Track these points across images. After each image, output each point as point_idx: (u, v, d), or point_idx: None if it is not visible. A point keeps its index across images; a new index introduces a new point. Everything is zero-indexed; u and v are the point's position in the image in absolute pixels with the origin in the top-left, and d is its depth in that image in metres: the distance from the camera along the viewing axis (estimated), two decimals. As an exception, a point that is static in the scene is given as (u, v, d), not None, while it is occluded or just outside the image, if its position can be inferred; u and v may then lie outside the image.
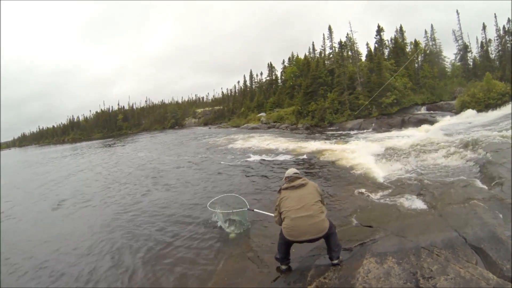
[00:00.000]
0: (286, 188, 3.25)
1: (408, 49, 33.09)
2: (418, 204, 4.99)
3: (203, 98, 78.27)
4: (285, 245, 3.19)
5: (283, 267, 3.36)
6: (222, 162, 11.53)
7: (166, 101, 71.98)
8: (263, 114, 38.46)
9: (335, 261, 3.15)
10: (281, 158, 11.44)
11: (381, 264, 2.98)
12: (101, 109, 71.77)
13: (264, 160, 11.29)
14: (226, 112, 52.18)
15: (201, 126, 50.92)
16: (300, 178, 3.32)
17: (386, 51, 33.32)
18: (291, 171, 3.47)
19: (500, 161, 6.53)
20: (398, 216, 4.52)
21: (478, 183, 5.75)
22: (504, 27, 30.90)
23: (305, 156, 11.35)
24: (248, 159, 11.70)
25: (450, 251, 3.11)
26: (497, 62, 31.41)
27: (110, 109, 70.85)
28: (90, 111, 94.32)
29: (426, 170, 7.28)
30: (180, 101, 73.59)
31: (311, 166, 9.75)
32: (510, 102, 19.94)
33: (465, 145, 8.82)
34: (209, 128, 43.81)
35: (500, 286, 2.47)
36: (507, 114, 17.06)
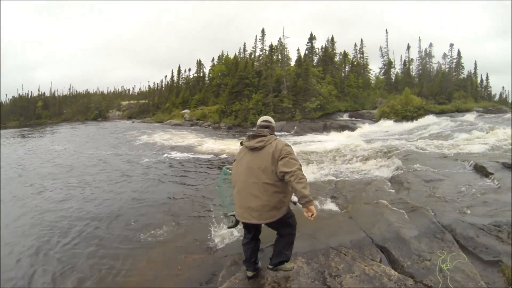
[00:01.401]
0: (243, 145, 3.74)
1: (337, 58, 52.97)
2: (331, 206, 7.16)
3: (129, 90, 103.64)
4: (243, 227, 3.93)
5: (249, 273, 4.01)
6: (134, 161, 15.46)
7: (92, 91, 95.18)
8: (187, 111, 53.36)
9: (269, 267, 3.91)
10: (198, 156, 16.21)
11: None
12: (19, 94, 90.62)
13: (175, 158, 15.83)
14: (151, 107, 71.70)
15: (124, 120, 68.18)
16: (264, 136, 3.58)
17: (316, 59, 52.61)
18: (262, 118, 3.90)
19: (409, 168, 9.86)
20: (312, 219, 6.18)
21: (388, 187, 8.43)
22: (425, 50, 55.16)
23: (224, 155, 16.04)
24: (159, 158, 16.03)
25: (357, 251, 4.62)
26: (417, 79, 54.56)
27: (29, 95, 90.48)
28: (6, 95, 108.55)
29: (342, 174, 10.34)
30: (105, 91, 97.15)
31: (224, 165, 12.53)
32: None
33: (381, 152, 13.03)
34: (133, 122, 58.42)
35: (401, 281, 3.84)
36: (420, 125, 27.17)
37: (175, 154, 16.79)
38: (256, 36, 56.30)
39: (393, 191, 8.18)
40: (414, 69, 57.58)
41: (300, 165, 3.28)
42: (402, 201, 7.05)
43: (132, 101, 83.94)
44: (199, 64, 63.98)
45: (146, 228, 6.54)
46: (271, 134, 3.64)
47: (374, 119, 36.75)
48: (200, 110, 49.95)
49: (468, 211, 6.12)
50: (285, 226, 3.70)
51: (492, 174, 8.16)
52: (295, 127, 34.49)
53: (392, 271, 4.07)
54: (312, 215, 3.20)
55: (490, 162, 9.14)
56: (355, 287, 3.72)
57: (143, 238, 6.12)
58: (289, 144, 3.52)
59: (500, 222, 5.38)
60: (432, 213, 6.09)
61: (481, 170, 8.68)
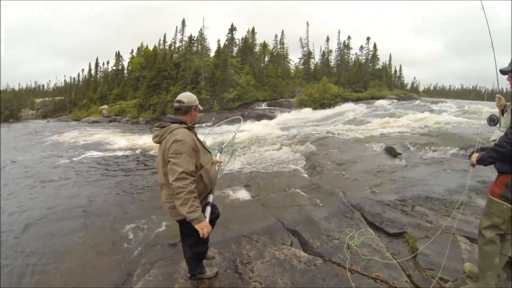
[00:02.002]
0: None
1: (257, 49, 58.46)
2: (244, 195, 7.54)
3: (43, 86, 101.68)
4: None
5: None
6: (45, 164, 14.59)
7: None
8: (105, 106, 55.21)
9: (188, 275, 3.93)
10: (112, 154, 16.45)
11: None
12: None
13: (90, 157, 15.63)
14: (68, 104, 71.97)
15: (39, 119, 67.04)
16: (163, 127, 3.35)
17: (236, 49, 57.45)
18: (178, 97, 3.52)
19: (322, 153, 10.59)
20: (224, 208, 6.25)
21: (302, 173, 8.96)
22: (344, 42, 62.73)
23: (137, 151, 16.55)
24: (73, 158, 15.56)
25: (268, 236, 4.93)
26: (335, 69, 61.69)
27: None
28: None
29: (257, 162, 10.93)
30: (17, 88, 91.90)
31: (141, 161, 13.59)
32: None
33: (296, 139, 13.93)
34: (48, 121, 57.17)
35: (310, 262, 4.15)
36: (337, 112, 29.67)
37: (89, 154, 16.56)
38: (176, 27, 59.24)
39: (306, 175, 8.73)
40: (333, 59, 65.14)
41: (185, 169, 2.99)
42: (314, 185, 7.49)
43: (47, 98, 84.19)
44: (118, 56, 66.13)
45: (59, 236, 6.29)
46: (182, 118, 3.42)
47: (293, 107, 39.78)
48: (118, 105, 51.92)
49: (377, 190, 6.75)
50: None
51: (400, 154, 9.13)
52: (213, 118, 36.51)
53: (302, 253, 4.40)
54: (206, 231, 3.06)
55: (398, 143, 10.27)
56: (265, 272, 3.94)
57: (56, 247, 5.85)
58: (188, 135, 3.21)
59: (405, 197, 6.06)
60: (342, 194, 6.58)
61: (390, 151, 9.65)
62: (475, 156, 3.22)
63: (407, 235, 4.69)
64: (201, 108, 3.53)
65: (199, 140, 3.40)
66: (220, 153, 4.41)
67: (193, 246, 3.60)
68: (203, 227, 3.00)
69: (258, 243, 4.69)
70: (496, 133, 3.25)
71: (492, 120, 3.43)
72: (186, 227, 3.29)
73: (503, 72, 3.21)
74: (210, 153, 3.64)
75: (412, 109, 24.96)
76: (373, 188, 6.84)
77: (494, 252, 3.20)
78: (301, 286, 3.70)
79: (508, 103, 3.25)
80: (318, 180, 7.95)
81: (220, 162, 4.07)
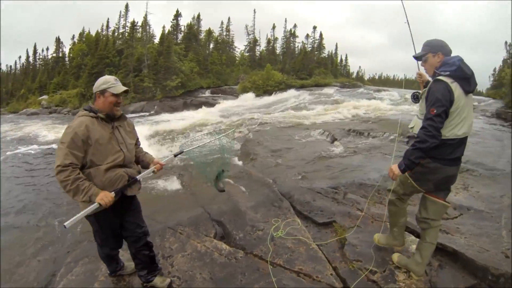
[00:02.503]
0: None
1: (202, 36, 57.53)
2: (175, 185, 7.39)
3: None
4: None
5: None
6: None
7: None
8: (45, 97, 53.57)
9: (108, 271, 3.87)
10: (44, 148, 15.42)
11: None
12: None
13: (21, 153, 14.40)
14: (5, 95, 67.13)
15: None
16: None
17: (180, 36, 56.19)
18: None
19: (258, 140, 10.41)
20: (154, 199, 6.57)
21: (235, 160, 8.69)
22: (290, 30, 63.21)
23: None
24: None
25: (193, 228, 4.85)
26: (281, 57, 62.83)
27: None
28: None
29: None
30: None
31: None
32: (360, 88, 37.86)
33: (235, 126, 13.95)
34: None
35: (231, 255, 4.05)
36: (280, 99, 30.50)
37: (18, 150, 15.33)
38: (120, 12, 57.61)
39: (239, 163, 8.57)
40: (278, 47, 65.25)
41: (61, 163, 2.78)
42: (246, 173, 7.31)
43: (-21, 90, 77.47)
44: (58, 42, 62.94)
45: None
46: (93, 105, 3.19)
47: (236, 95, 40.40)
48: (59, 95, 49.95)
49: (310, 177, 6.63)
50: None
51: (338, 140, 9.18)
52: (155, 107, 37.13)
53: (224, 245, 4.31)
54: (106, 201, 2.95)
55: (338, 129, 10.30)
56: (185, 266, 3.91)
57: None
58: (82, 124, 2.91)
59: (338, 184, 5.92)
60: (273, 182, 6.41)
61: (328, 137, 9.60)
62: (395, 167, 3.17)
63: (336, 225, 4.57)
64: (115, 92, 3.06)
65: (113, 132, 3.11)
66: (175, 156, 3.91)
67: (99, 245, 3.57)
68: (102, 198, 2.84)
69: (182, 235, 4.65)
70: (415, 121, 3.36)
71: (415, 97, 3.63)
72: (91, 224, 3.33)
73: (416, 57, 3.36)
74: (123, 150, 3.16)
75: (355, 96, 25.89)
76: (306, 176, 6.72)
77: (397, 211, 3.62)
78: (220, 281, 3.63)
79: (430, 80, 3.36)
80: (250, 168, 7.76)
81: (162, 165, 3.47)
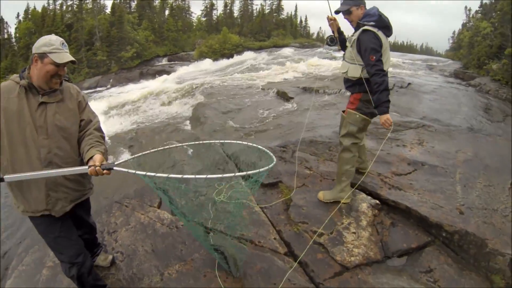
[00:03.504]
0: None
1: (156, 3, 56.20)
2: (124, 156, 7.18)
3: None
4: None
5: None
6: None
7: None
8: None
9: None
10: None
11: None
12: None
13: None
14: None
15: None
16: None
17: (133, 4, 55.59)
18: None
19: (209, 102, 10.20)
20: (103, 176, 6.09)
21: (185, 125, 8.59)
22: None
23: None
24: None
25: (139, 199, 4.69)
26: (239, 20, 62.96)
27: None
28: None
29: (145, 120, 10.88)
30: None
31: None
32: (244, 53, 39.63)
33: (187, 91, 13.84)
34: None
35: (173, 224, 4.01)
36: (237, 61, 30.72)
37: None
38: None
39: (189, 128, 8.47)
40: (236, 10, 64.62)
41: None
42: (194, 136, 7.21)
43: None
44: (2, 23, 58.43)
45: None
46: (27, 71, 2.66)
47: (193, 60, 40.63)
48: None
49: (259, 137, 6.52)
50: None
51: (292, 98, 9.04)
52: (111, 80, 36.51)
53: (166, 215, 4.26)
54: None
55: (292, 87, 10.18)
56: (128, 240, 3.86)
57: None
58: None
59: (288, 143, 5.70)
60: (220, 145, 6.14)
61: (282, 96, 9.59)
62: (384, 117, 3.50)
63: (282, 185, 4.40)
64: (57, 61, 2.42)
65: (37, 110, 2.44)
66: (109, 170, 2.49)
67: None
68: None
69: (127, 208, 4.53)
70: (346, 65, 3.78)
71: (332, 41, 4.08)
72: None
73: (337, 12, 3.75)
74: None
75: (314, 56, 25.94)
76: (255, 135, 6.53)
77: (349, 159, 3.84)
78: (160, 252, 3.61)
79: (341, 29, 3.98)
80: (199, 132, 7.60)
81: (97, 173, 2.32)
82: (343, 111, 3.90)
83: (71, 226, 2.86)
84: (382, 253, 3.45)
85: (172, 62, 42.33)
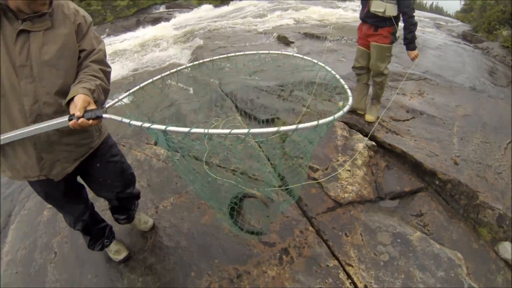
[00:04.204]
0: None
1: None
2: (123, 101, 6.86)
3: None
4: None
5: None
6: None
7: None
8: None
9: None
10: None
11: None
12: None
13: None
14: None
15: None
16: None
17: None
18: None
19: (208, 46, 10.03)
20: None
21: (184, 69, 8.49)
22: None
23: None
24: None
25: (136, 138, 4.81)
26: None
27: None
28: None
29: (143, 65, 10.69)
30: None
31: None
32: None
33: (186, 36, 13.58)
34: None
35: (168, 158, 4.10)
36: (238, 8, 29.15)
37: None
38: None
39: (187, 70, 8.20)
40: None
41: None
42: (192, 77, 7.03)
43: None
44: None
45: None
46: None
47: (192, 7, 40.35)
48: None
49: (258, 77, 6.38)
50: None
51: (292, 42, 8.98)
52: (107, 30, 36.12)
53: (162, 151, 4.37)
54: None
55: (293, 33, 10.03)
56: None
57: None
58: None
59: (286, 82, 5.67)
60: (219, 84, 6.21)
61: (283, 40, 9.47)
62: (413, 52, 4.13)
63: (279, 121, 4.47)
64: None
65: (16, 40, 1.74)
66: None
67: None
68: None
69: (124, 147, 4.64)
70: (380, 4, 4.00)
71: None
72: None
73: None
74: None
75: (317, 4, 25.42)
76: (253, 76, 6.43)
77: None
78: (156, 186, 3.76)
79: None
80: (197, 73, 7.37)
81: (78, 125, 1.72)
82: (363, 46, 4.37)
83: (77, 187, 2.48)
84: (375, 193, 3.52)
85: (171, 9, 41.58)
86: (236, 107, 5.03)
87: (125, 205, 2.88)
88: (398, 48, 5.88)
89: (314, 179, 3.39)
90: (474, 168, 4.01)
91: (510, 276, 3.24)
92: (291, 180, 3.01)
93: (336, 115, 1.62)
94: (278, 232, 3.15)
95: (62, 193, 2.29)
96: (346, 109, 1.71)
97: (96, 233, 2.77)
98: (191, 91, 6.22)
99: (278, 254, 2.95)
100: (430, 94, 5.79)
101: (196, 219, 3.31)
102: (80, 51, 1.97)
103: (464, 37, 12.90)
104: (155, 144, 4.57)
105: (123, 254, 3.01)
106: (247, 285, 2.74)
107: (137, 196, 2.94)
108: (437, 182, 3.80)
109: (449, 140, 4.45)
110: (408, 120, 4.74)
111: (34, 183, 2.20)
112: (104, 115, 1.75)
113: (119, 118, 1.70)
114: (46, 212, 3.71)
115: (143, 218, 3.25)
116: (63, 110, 1.84)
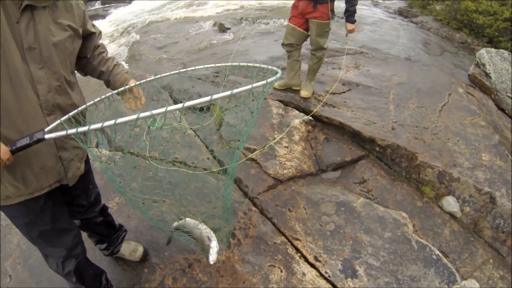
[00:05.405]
0: None
1: None
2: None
3: None
4: None
5: None
6: None
7: None
8: None
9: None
10: None
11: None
12: None
13: None
14: None
15: None
16: None
17: None
18: None
19: (144, 39, 9.83)
20: None
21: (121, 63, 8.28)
22: None
23: None
24: None
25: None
26: None
27: None
28: None
29: None
30: None
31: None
32: None
33: (124, 32, 13.12)
34: None
35: (111, 159, 3.83)
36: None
37: None
38: None
39: (126, 66, 8.04)
40: None
41: None
42: (130, 74, 6.85)
43: None
44: None
45: None
46: None
47: (128, 1, 39.31)
48: None
49: (193, 66, 6.26)
50: None
51: (229, 28, 9.03)
52: None
53: (104, 151, 4.09)
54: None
55: (229, 18, 10.05)
56: None
57: None
58: None
59: (217, 69, 5.70)
60: (154, 77, 5.99)
61: (219, 27, 9.45)
62: (351, 26, 4.42)
63: (213, 107, 4.37)
64: None
65: (20, 18, 1.43)
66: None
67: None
68: None
69: None
70: None
71: None
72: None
73: None
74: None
75: None
76: (188, 65, 6.45)
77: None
78: (101, 187, 3.12)
79: None
80: (135, 69, 7.37)
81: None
82: (295, 24, 4.35)
83: (63, 206, 2.01)
84: (316, 167, 3.58)
85: (107, 5, 40.26)
86: (171, 97, 4.99)
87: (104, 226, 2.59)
88: (335, 26, 6.06)
89: (252, 159, 3.40)
90: (411, 131, 4.17)
91: (456, 227, 3.41)
92: (229, 163, 3.12)
93: (269, 80, 1.60)
94: (221, 216, 3.16)
95: (50, 217, 1.86)
96: (278, 75, 1.71)
97: (90, 280, 2.28)
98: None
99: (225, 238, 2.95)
100: (366, 66, 5.93)
101: (142, 215, 3.24)
102: (89, 34, 1.90)
103: (400, 12, 13.36)
104: (97, 146, 4.33)
105: None
106: (199, 273, 2.73)
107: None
108: (377, 149, 3.93)
109: (386, 108, 4.58)
110: (344, 92, 4.83)
111: (15, 208, 1.73)
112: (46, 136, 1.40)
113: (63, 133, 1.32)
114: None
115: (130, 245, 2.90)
116: (72, 102, 1.73)
